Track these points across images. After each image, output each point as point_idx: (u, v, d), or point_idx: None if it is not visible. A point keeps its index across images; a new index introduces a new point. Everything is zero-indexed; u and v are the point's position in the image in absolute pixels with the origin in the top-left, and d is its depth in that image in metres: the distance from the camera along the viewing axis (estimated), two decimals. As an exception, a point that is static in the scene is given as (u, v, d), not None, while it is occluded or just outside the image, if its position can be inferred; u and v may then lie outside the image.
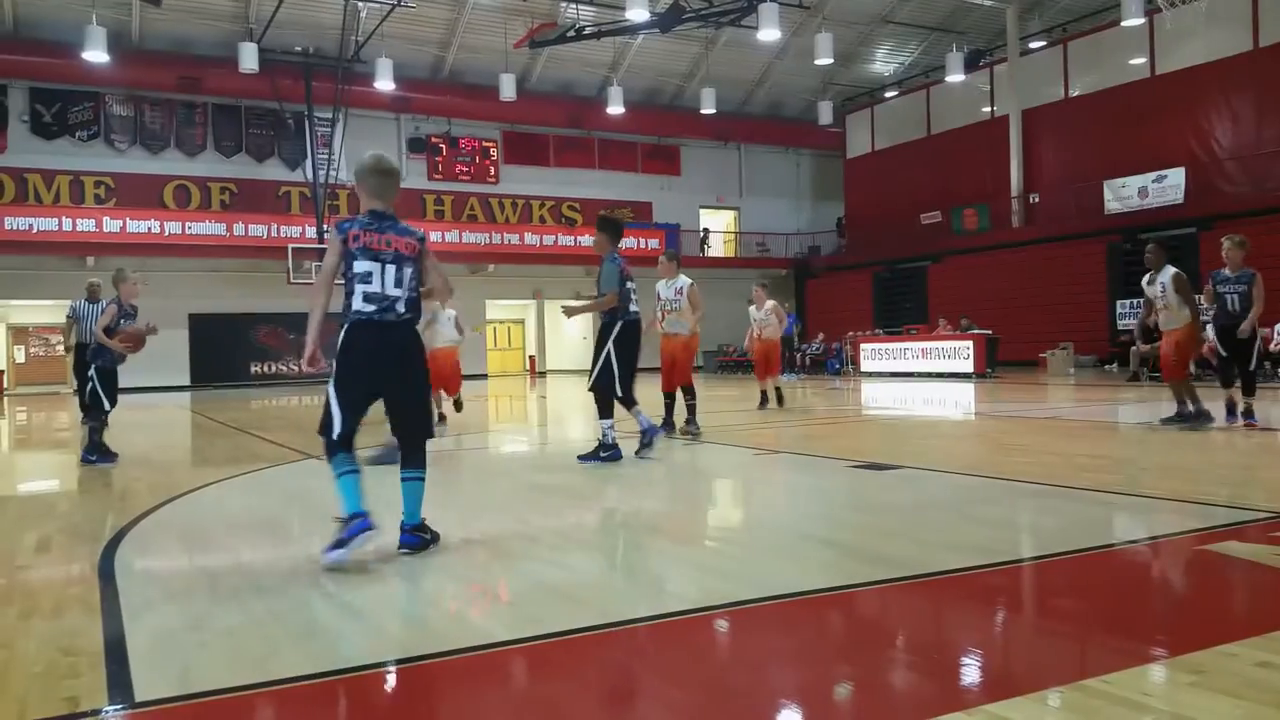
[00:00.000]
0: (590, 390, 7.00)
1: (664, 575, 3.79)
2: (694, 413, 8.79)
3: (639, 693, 2.53)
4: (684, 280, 8.85)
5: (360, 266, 3.90)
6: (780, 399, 11.93)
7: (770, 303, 12.12)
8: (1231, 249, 8.20)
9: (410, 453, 4.07)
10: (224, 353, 25.41)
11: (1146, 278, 8.34)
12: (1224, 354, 8.44)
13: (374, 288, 3.90)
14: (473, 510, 5.62)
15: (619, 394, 6.91)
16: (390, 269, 3.92)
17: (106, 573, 3.87)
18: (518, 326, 32.46)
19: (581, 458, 6.96)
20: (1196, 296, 8.41)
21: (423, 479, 4.06)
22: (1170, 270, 8.07)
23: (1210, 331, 10.54)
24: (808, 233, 34.53)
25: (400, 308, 3.94)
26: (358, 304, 3.90)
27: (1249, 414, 8.15)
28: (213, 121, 26.41)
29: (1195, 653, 2.53)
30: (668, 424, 8.64)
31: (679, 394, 8.94)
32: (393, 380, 3.99)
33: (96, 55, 21.32)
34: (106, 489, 6.69)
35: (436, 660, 2.70)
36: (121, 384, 8.41)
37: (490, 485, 6.76)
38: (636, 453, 7.00)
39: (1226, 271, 8.23)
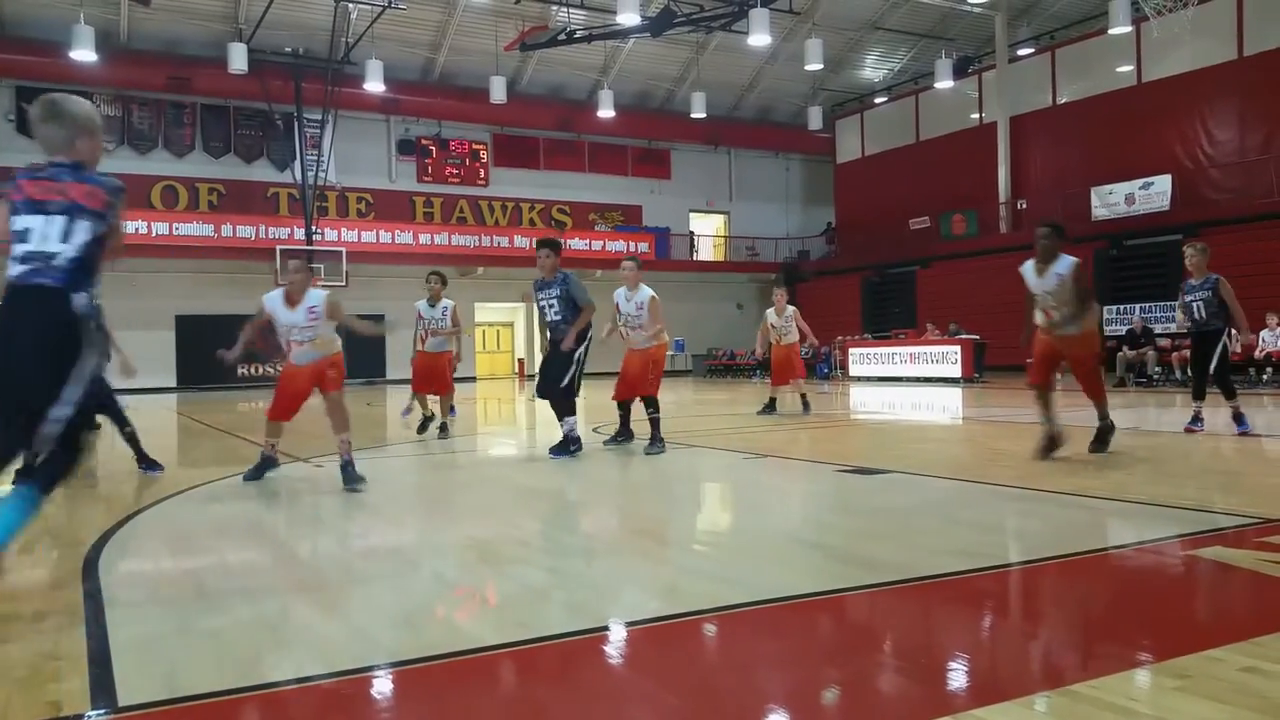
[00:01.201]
0: (551, 393, 7.57)
1: (652, 579, 3.79)
2: (657, 427, 7.93)
3: (627, 697, 2.52)
4: (646, 294, 8.01)
5: (20, 223, 3.10)
6: (806, 404, 11.81)
7: (791, 309, 12.06)
8: (1195, 256, 8.23)
9: (43, 469, 3.10)
10: (211, 354, 25.22)
11: (1030, 265, 6.76)
12: (1198, 365, 8.42)
13: (32, 246, 3.06)
14: (461, 513, 5.61)
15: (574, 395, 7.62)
16: (58, 221, 3.09)
17: (90, 576, 3.83)
18: (506, 329, 32.41)
19: (553, 451, 7.51)
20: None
21: (37, 503, 3.08)
22: (1069, 259, 6.60)
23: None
24: (797, 237, 34.61)
25: (58, 269, 3.05)
26: (10, 269, 3.05)
27: (1239, 419, 8.11)
28: (201, 122, 26.30)
29: (1181, 658, 2.54)
30: (625, 434, 8.27)
31: (640, 407, 8.18)
32: (29, 371, 2.99)
33: (84, 54, 21.22)
34: (91, 491, 6.64)
35: (424, 665, 2.69)
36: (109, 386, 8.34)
37: (479, 488, 6.74)
38: (551, 449, 7.57)
39: (1193, 280, 8.28)
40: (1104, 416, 6.90)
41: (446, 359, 9.78)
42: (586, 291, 7.50)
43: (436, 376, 9.68)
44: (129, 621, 3.17)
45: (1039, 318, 6.82)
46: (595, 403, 8.06)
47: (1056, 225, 6.72)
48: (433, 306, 9.52)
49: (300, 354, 6.38)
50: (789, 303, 12.27)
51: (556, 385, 7.50)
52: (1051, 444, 6.59)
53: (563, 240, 8.31)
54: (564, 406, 7.57)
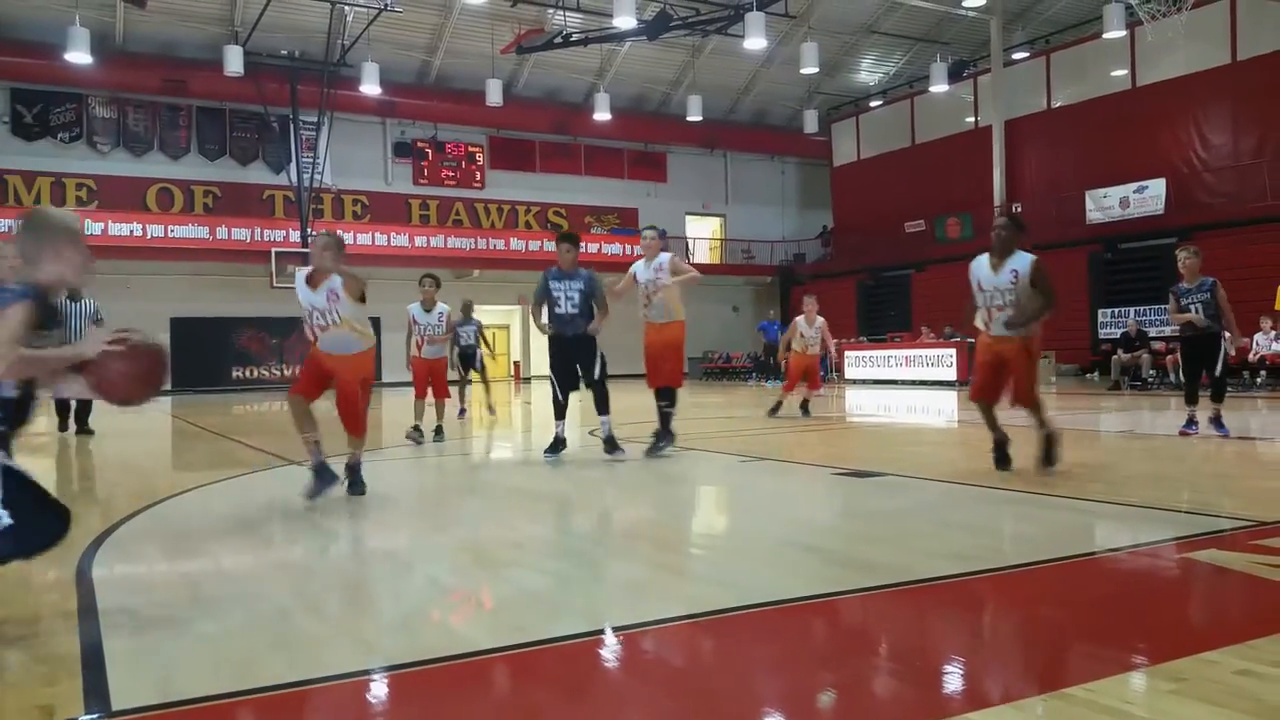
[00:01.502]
0: (595, 388, 7.51)
1: (648, 582, 3.78)
2: (668, 422, 7.63)
3: (624, 700, 2.52)
4: (665, 256, 7.71)
5: None
6: (806, 409, 11.97)
7: (821, 320, 12.09)
8: (1190, 259, 8.21)
9: None
10: (206, 357, 25.24)
11: (983, 260, 6.18)
12: (1192, 368, 8.44)
13: None
14: (457, 516, 5.60)
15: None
16: None
17: (84, 579, 3.82)
18: (502, 332, 32.38)
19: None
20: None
21: None
22: (1028, 256, 6.03)
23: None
24: (793, 240, 34.65)
25: None
26: None
27: (1219, 422, 8.15)
28: (197, 124, 26.27)
29: (1176, 660, 2.55)
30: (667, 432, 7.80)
31: (655, 399, 7.84)
32: None
33: (79, 56, 21.17)
34: (85, 494, 6.62)
35: (419, 668, 2.68)
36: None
37: (474, 491, 6.74)
38: (547, 451, 7.53)
39: (1185, 284, 8.26)
40: (1043, 424, 6.12)
41: (444, 364, 9.70)
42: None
43: (436, 381, 9.56)
44: (123, 625, 3.16)
45: (979, 321, 6.26)
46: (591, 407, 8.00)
47: (1015, 218, 6.34)
48: (428, 312, 9.24)
49: (328, 341, 5.59)
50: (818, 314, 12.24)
51: (592, 378, 7.47)
52: (1004, 451, 6.27)
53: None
54: (604, 399, 7.51)
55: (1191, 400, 8.45)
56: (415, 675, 2.64)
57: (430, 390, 9.59)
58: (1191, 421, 8.34)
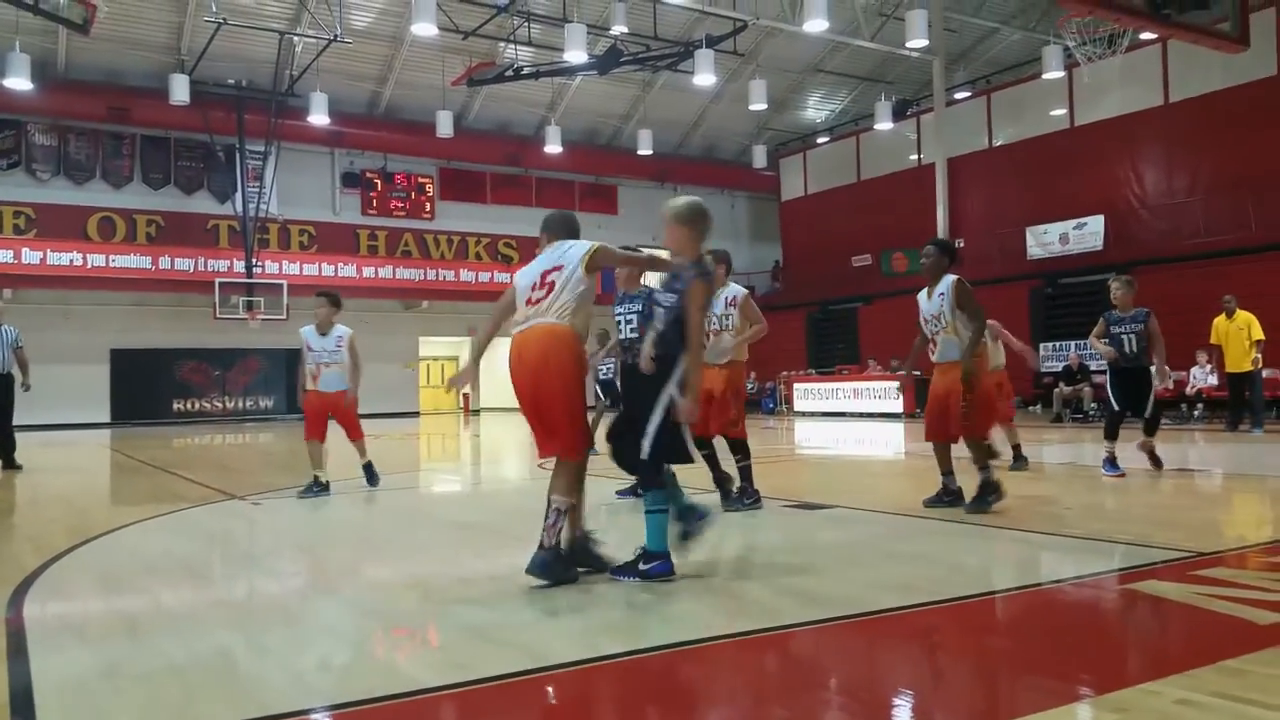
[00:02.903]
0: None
1: (595, 617, 3.76)
2: (749, 476, 6.57)
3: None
4: (737, 289, 6.58)
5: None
6: (1019, 456, 8.83)
7: (994, 324, 8.61)
8: (1122, 289, 7.98)
9: None
10: (146, 389, 24.65)
11: (924, 292, 6.30)
12: (1117, 402, 8.04)
13: None
14: (401, 551, 5.50)
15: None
16: None
17: (14, 618, 3.69)
18: (451, 364, 32.13)
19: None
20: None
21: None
22: (950, 278, 6.04)
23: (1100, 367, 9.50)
24: (743, 273, 34.97)
25: None
26: None
27: (1154, 458, 8.01)
28: (141, 153, 25.77)
29: (1118, 691, 2.59)
30: (722, 481, 6.62)
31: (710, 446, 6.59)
32: None
33: (19, 83, 20.71)
34: (17, 530, 6.40)
35: (360, 708, 2.62)
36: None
37: (420, 526, 6.63)
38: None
39: (1118, 312, 8.00)
40: (984, 466, 5.93)
41: (342, 399, 7.85)
42: None
43: (344, 420, 7.97)
44: (55, 665, 3.05)
45: (929, 351, 6.25)
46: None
47: (942, 242, 6.30)
48: (323, 335, 7.78)
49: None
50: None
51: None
52: (942, 500, 6.13)
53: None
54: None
55: (1111, 436, 8.07)
56: (357, 715, 2.58)
57: (345, 432, 8.06)
58: (1112, 461, 7.92)
